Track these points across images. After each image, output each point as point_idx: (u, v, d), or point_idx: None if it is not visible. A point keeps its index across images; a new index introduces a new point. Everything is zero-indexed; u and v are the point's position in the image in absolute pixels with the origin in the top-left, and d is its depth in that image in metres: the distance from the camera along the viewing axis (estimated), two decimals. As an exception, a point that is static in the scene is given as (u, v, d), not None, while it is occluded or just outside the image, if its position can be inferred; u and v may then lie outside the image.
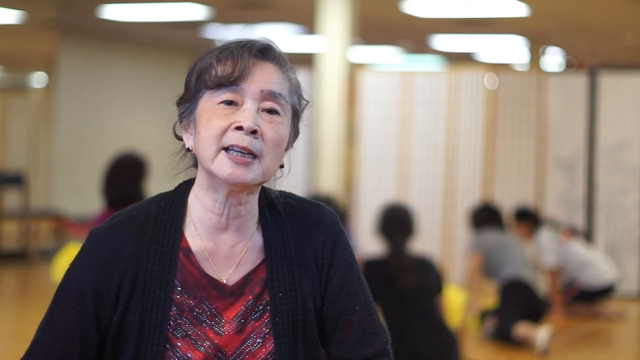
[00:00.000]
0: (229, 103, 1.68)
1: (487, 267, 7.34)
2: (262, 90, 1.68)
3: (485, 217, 7.56)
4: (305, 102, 1.80)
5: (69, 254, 5.35)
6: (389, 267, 5.43)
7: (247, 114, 1.66)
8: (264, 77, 1.69)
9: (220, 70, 1.68)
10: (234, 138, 1.65)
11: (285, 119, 1.71)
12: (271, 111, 1.69)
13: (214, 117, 1.67)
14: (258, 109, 1.68)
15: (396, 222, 5.54)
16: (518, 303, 6.96)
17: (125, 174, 5.29)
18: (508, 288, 7.09)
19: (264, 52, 1.71)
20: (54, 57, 13.55)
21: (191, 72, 1.73)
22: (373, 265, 5.46)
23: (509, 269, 7.14)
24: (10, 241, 11.57)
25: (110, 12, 12.67)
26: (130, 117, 15.31)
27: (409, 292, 5.42)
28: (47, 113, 13.55)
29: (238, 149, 1.65)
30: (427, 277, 5.50)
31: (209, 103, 1.69)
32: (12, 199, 11.81)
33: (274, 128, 1.68)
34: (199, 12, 12.48)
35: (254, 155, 1.66)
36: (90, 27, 14.06)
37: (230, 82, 1.68)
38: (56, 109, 13.64)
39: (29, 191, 11.66)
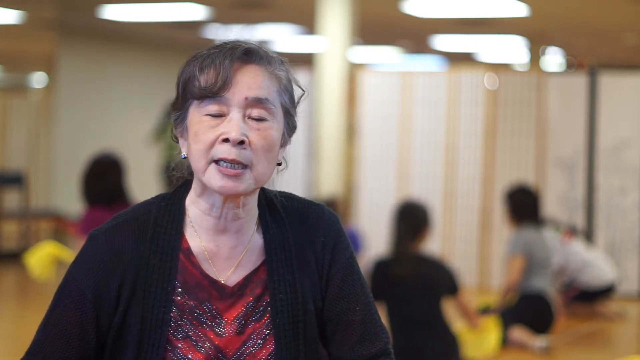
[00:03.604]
0: (215, 114, 1.66)
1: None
2: (246, 98, 1.66)
3: (525, 210, 7.12)
4: (299, 95, 1.77)
5: (40, 251, 5.38)
6: (393, 265, 5.44)
7: (232, 125, 1.64)
8: (248, 83, 1.67)
9: (204, 80, 1.67)
10: (222, 151, 1.64)
11: (274, 123, 1.69)
12: (259, 118, 1.68)
13: (200, 130, 1.66)
14: (244, 116, 1.66)
15: (401, 217, 5.54)
16: (531, 318, 6.89)
17: (107, 173, 5.37)
18: (528, 300, 6.93)
19: (247, 55, 1.69)
20: (54, 57, 13.54)
21: (178, 81, 1.72)
22: (381, 266, 5.47)
23: (537, 281, 6.92)
24: (10, 241, 11.56)
25: (110, 12, 12.67)
26: (130, 117, 15.31)
27: (416, 294, 5.40)
28: (47, 113, 13.54)
29: (227, 162, 1.64)
30: (434, 279, 5.47)
31: (196, 114, 1.68)
32: (12, 199, 11.81)
33: (263, 135, 1.67)
34: (199, 12, 12.48)
35: (244, 165, 1.65)
36: (90, 27, 14.06)
37: (213, 93, 1.66)
38: (56, 109, 13.64)
39: (29, 191, 11.66)
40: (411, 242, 5.49)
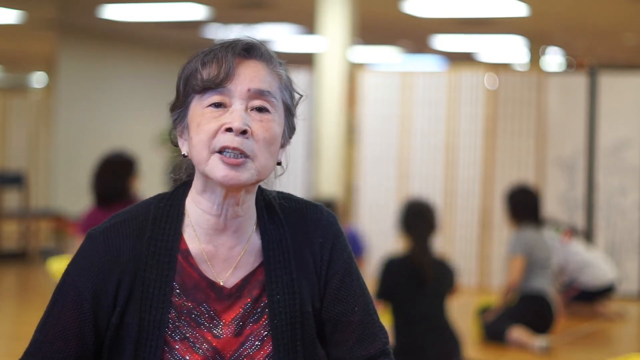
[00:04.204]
0: (217, 105, 1.67)
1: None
2: (249, 89, 1.67)
3: (526, 210, 7.11)
4: (298, 97, 1.78)
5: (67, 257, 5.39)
6: (409, 264, 5.45)
7: (235, 115, 1.65)
8: (250, 75, 1.68)
9: (206, 73, 1.68)
10: (225, 140, 1.65)
11: (276, 116, 1.70)
12: (261, 109, 1.68)
13: (203, 121, 1.67)
14: (247, 108, 1.67)
15: (419, 217, 5.56)
16: (531, 318, 6.88)
17: (112, 172, 5.34)
18: (528, 300, 6.92)
19: (249, 50, 1.70)
20: (54, 57, 13.55)
21: (179, 78, 1.73)
22: (394, 264, 5.48)
23: (537, 281, 6.91)
24: (10, 241, 11.56)
25: (110, 12, 12.67)
26: (130, 117, 15.30)
27: (422, 293, 5.42)
28: (47, 113, 13.55)
29: (230, 151, 1.65)
30: (442, 279, 5.52)
31: (198, 107, 1.68)
32: (12, 199, 11.81)
33: (265, 126, 1.67)
34: (199, 12, 12.48)
35: (246, 155, 1.65)
36: (90, 27, 14.06)
37: (216, 85, 1.67)
38: (56, 109, 13.64)
39: (29, 191, 11.66)
40: (429, 243, 5.56)
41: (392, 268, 5.46)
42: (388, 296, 5.39)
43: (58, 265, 5.45)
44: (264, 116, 1.68)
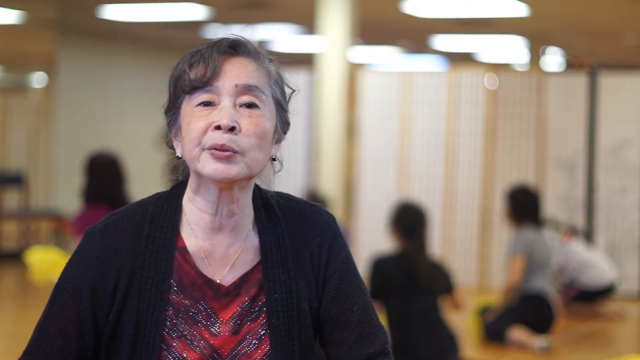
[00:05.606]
0: (206, 104, 1.68)
1: None
2: (236, 85, 1.68)
3: (526, 210, 7.12)
4: (290, 92, 1.78)
5: (44, 254, 5.39)
6: (405, 265, 5.49)
7: (224, 112, 1.66)
8: (237, 72, 1.69)
9: (193, 74, 1.69)
10: (214, 138, 1.65)
11: (266, 111, 1.70)
12: (250, 105, 1.69)
13: (193, 120, 1.68)
14: (235, 104, 1.68)
15: (419, 222, 5.66)
16: (531, 318, 6.89)
17: (104, 172, 5.37)
18: (528, 300, 6.93)
19: (234, 47, 1.71)
20: (54, 57, 13.54)
21: (169, 81, 1.74)
22: (385, 264, 5.51)
23: (537, 281, 6.93)
24: (10, 241, 11.56)
25: (110, 12, 12.67)
26: (130, 117, 15.31)
27: (415, 292, 5.46)
28: (47, 113, 13.54)
29: (218, 148, 1.65)
30: (435, 279, 5.58)
31: (188, 107, 1.70)
32: (12, 199, 11.81)
33: (255, 121, 1.68)
34: (199, 12, 12.48)
35: (235, 151, 1.66)
36: (90, 27, 14.06)
37: (203, 83, 1.68)
38: (56, 109, 13.64)
39: (29, 191, 11.66)
40: (426, 246, 5.65)
41: (383, 267, 5.50)
42: (379, 295, 5.42)
43: (36, 259, 5.46)
44: (253, 111, 1.69)
